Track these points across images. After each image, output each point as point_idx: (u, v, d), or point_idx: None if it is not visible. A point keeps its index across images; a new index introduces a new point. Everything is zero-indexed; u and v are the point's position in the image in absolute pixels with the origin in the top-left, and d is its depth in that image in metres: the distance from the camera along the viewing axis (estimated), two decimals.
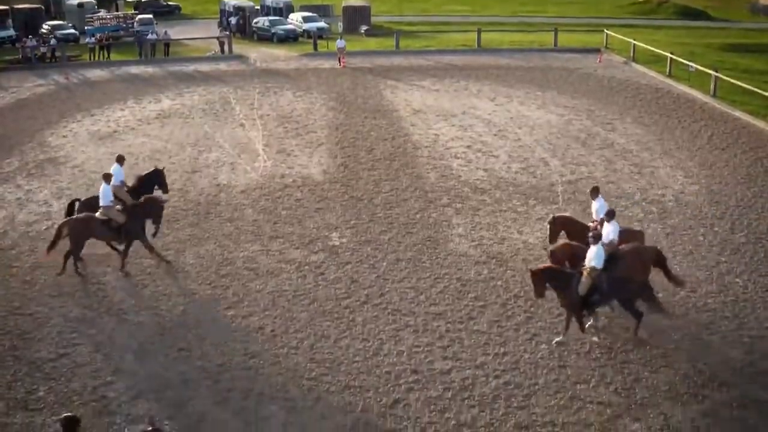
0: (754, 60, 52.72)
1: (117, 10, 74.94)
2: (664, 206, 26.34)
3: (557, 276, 18.04)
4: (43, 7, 71.35)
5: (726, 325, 19.19)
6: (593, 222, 20.27)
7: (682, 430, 15.49)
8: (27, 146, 34.01)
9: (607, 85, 44.20)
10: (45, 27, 64.05)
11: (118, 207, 22.03)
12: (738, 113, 38.00)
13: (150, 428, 12.12)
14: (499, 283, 20.92)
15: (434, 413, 15.82)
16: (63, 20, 68.97)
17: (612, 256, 18.43)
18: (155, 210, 22.18)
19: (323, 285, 21.08)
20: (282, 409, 16.00)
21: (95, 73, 50.00)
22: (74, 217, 22.22)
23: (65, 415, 12.12)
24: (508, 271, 21.69)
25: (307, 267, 22.05)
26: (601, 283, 17.81)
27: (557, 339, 18.30)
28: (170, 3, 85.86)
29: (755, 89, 39.55)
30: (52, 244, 21.85)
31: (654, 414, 15.94)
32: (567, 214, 22.29)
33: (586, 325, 18.48)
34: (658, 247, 20.34)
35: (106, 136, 35.25)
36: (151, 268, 22.12)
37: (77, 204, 23.22)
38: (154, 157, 31.65)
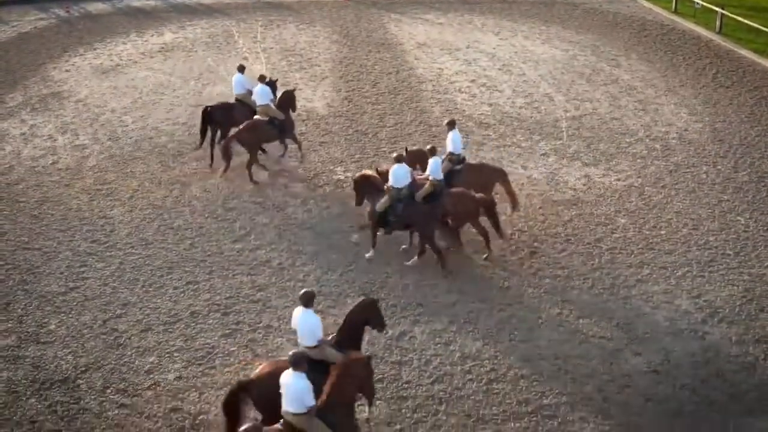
0: None
1: None
2: (668, 143, 26.40)
3: (370, 187, 18.91)
4: None
5: (727, 262, 19.44)
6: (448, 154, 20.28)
7: (682, 366, 15.81)
8: (30, 81, 33.81)
9: (612, 21, 43.78)
10: None
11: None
12: (743, 51, 37.74)
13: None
14: (503, 218, 21.03)
15: (439, 345, 16.15)
16: None
17: (434, 192, 18.86)
18: (292, 100, 24.22)
19: (329, 218, 21.27)
20: (290, 341, 16.27)
21: (96, 6, 49.23)
22: (240, 128, 23.08)
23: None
24: None
25: (312, 201, 22.22)
26: (397, 205, 18.32)
27: (367, 255, 19.22)
28: None
29: (761, 27, 39.22)
30: (228, 161, 22.96)
31: (655, 349, 16.27)
32: (417, 147, 22.33)
33: (401, 248, 19.50)
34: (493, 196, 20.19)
35: (109, 69, 35.03)
36: (158, 202, 22.29)
37: (210, 109, 24.50)
38: (158, 91, 31.58)
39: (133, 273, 18.92)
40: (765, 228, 21.05)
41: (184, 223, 21.23)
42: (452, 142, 20.12)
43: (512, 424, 14.22)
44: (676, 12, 45.74)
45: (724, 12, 41.43)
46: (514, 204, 20.59)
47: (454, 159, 20.02)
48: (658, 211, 21.80)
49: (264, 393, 12.18)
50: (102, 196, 22.82)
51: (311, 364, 11.96)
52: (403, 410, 14.54)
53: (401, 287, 18.10)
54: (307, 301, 13.11)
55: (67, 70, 35.17)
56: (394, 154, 18.89)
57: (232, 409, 12.35)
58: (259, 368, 12.87)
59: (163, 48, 38.29)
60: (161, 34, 41.20)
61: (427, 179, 18.90)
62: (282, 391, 11.64)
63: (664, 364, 15.82)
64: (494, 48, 37.64)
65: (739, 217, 21.59)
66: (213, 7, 47.58)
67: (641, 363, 15.82)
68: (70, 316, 17.37)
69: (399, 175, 18.40)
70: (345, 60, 35.34)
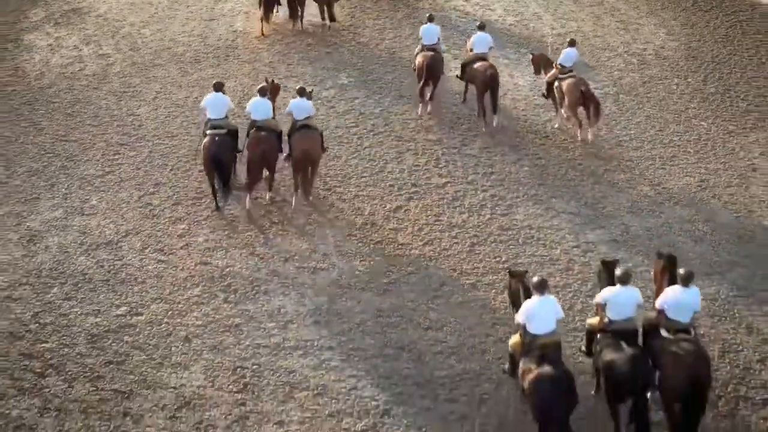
0: None
1: None
2: (644, 58, 28.69)
3: None
4: None
5: (687, 158, 21.88)
6: None
7: (639, 237, 18.43)
8: None
9: None
10: None
11: None
12: None
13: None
14: None
15: (430, 217, 18.78)
16: None
17: None
18: None
19: (334, 116, 23.69)
20: (302, 213, 18.90)
21: None
22: None
23: None
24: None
25: (319, 101, 24.49)
26: None
27: None
28: None
29: None
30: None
31: (616, 224, 18.86)
32: None
33: None
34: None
35: None
36: (180, 102, 24.70)
37: None
38: (172, 6, 33.55)
39: (162, 159, 21.43)
40: (725, 131, 23.42)
41: (204, 119, 23.62)
42: None
43: (490, 277, 16.96)
44: None
45: None
46: None
47: None
48: (629, 115, 24.22)
49: None
50: (128, 97, 25.19)
51: None
52: (398, 265, 17.25)
53: (398, 171, 20.67)
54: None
55: None
56: None
57: None
58: None
59: None
60: None
61: None
62: None
63: (623, 235, 18.44)
64: None
65: (702, 122, 23.96)
66: None
67: (604, 234, 18.44)
68: (109, 193, 19.92)
69: None
70: None
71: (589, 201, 19.62)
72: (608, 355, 12.66)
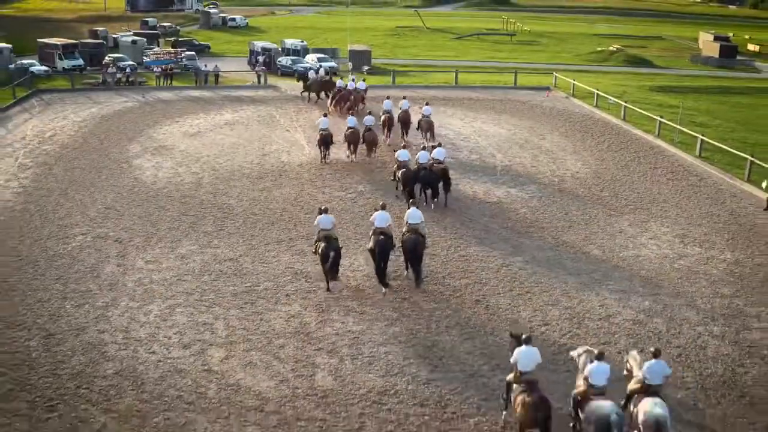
0: (672, 97, 68.49)
1: (158, 47, 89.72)
2: (563, 178, 42.28)
3: None
4: (105, 42, 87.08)
5: (578, 227, 34.83)
6: None
7: (541, 261, 31.34)
8: (140, 138, 49.49)
9: (548, 113, 60.18)
10: (107, 58, 77.58)
11: None
12: (637, 131, 54.01)
13: None
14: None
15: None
16: (119, 54, 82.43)
17: None
18: None
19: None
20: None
21: (164, 95, 65.29)
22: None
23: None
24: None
25: (342, 201, 37.77)
26: None
27: None
28: (201, 42, 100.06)
29: (653, 116, 55.44)
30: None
31: (527, 256, 31.82)
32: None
33: None
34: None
35: (194, 133, 50.89)
36: (255, 197, 37.96)
37: None
38: (234, 146, 47.22)
39: (252, 224, 34.27)
40: (607, 215, 36.35)
41: (274, 207, 36.62)
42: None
43: None
44: (596, 106, 62.27)
45: (627, 105, 58.06)
46: None
47: None
48: (545, 207, 37.37)
49: None
50: (220, 195, 38.32)
51: None
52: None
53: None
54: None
55: (163, 134, 50.93)
56: None
57: None
58: None
59: (227, 123, 54.24)
60: (222, 114, 57.18)
61: None
62: None
63: (532, 260, 31.35)
64: (459, 128, 53.71)
65: (593, 210, 37.21)
66: (255, 98, 63.72)
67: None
68: (223, 240, 32.64)
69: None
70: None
71: (514, 243, 32.67)
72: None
